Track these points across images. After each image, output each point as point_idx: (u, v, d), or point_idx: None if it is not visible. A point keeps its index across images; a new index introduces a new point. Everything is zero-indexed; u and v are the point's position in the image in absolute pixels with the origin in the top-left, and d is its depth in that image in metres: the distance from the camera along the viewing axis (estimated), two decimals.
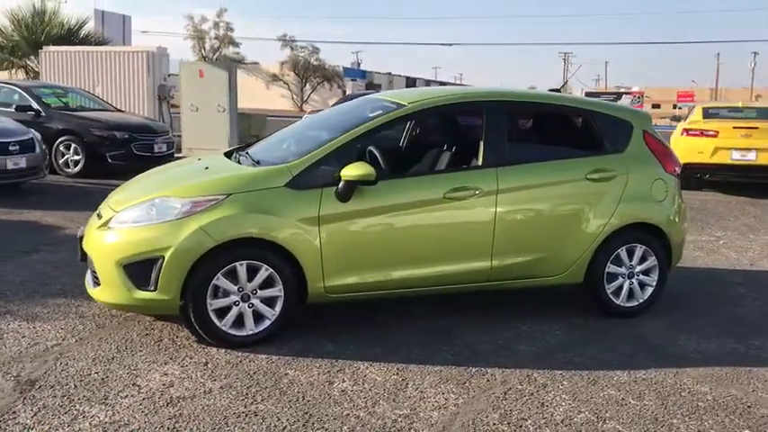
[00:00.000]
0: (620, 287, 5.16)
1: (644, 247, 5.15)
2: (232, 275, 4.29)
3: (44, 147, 10.46)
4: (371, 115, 4.86)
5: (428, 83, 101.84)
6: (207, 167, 4.87)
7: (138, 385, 3.80)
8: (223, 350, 4.32)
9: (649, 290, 5.23)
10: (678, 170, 5.35)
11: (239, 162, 4.86)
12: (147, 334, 4.55)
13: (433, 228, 4.65)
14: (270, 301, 4.41)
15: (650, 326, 5.06)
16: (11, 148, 9.63)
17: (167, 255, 4.16)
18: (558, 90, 5.73)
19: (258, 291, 4.36)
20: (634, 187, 5.08)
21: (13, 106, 12.19)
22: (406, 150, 5.99)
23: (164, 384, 3.82)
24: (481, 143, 4.85)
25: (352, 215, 4.44)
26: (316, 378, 3.97)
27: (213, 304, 4.28)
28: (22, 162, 9.72)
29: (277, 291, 4.39)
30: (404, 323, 4.91)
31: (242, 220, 4.26)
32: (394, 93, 5.62)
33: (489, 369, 4.18)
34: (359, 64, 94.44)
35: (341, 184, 4.37)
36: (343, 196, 4.40)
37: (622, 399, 3.85)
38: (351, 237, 4.48)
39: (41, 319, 4.78)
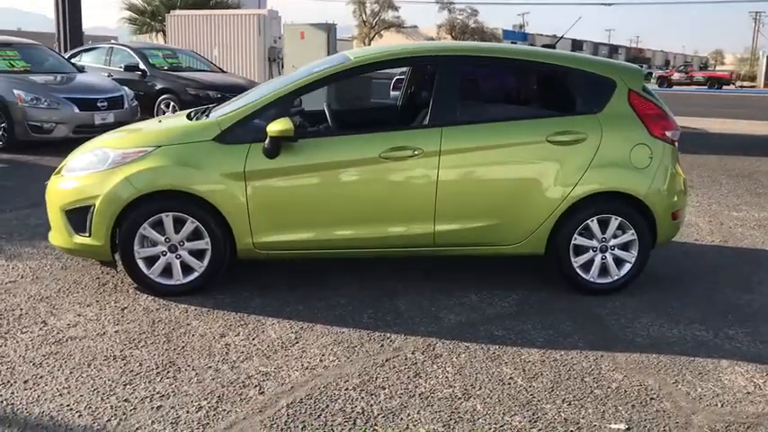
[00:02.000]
0: (590, 261, 4.72)
1: (620, 218, 4.66)
2: (160, 226, 4.41)
3: (135, 104, 11.19)
4: (314, 70, 4.75)
5: (596, 46, 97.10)
6: (160, 121, 5.00)
7: (46, 323, 4.04)
8: (151, 298, 4.46)
9: (627, 266, 4.74)
10: (671, 135, 4.75)
11: (197, 119, 4.94)
12: (97, 278, 4.80)
13: (369, 188, 4.48)
14: (198, 254, 4.48)
15: (616, 305, 4.59)
16: (99, 104, 10.40)
17: (97, 202, 4.34)
18: (551, 46, 5.21)
19: (186, 242, 4.45)
20: (608, 152, 4.59)
21: (123, 66, 13.12)
22: (360, 109, 5.81)
23: (68, 324, 4.03)
24: (430, 102, 4.58)
25: (280, 172, 4.39)
26: (212, 330, 4.00)
27: (141, 253, 4.43)
28: (109, 117, 10.46)
29: (204, 244, 4.45)
30: (348, 283, 4.81)
31: (165, 171, 4.35)
32: (359, 49, 5.44)
33: (394, 335, 4.01)
34: (521, 26, 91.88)
35: (267, 140, 4.33)
36: (270, 152, 4.35)
37: (510, 378, 3.55)
38: (279, 194, 4.43)
39: (21, 258, 5.18)
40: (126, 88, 11.25)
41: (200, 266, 4.49)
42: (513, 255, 4.72)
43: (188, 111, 5.16)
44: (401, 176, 4.49)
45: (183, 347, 3.77)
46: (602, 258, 4.71)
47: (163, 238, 4.42)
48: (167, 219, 4.39)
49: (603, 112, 4.65)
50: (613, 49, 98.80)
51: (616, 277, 4.74)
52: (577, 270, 4.71)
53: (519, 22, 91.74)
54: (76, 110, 10.12)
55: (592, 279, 4.73)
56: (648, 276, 5.00)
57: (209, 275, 4.51)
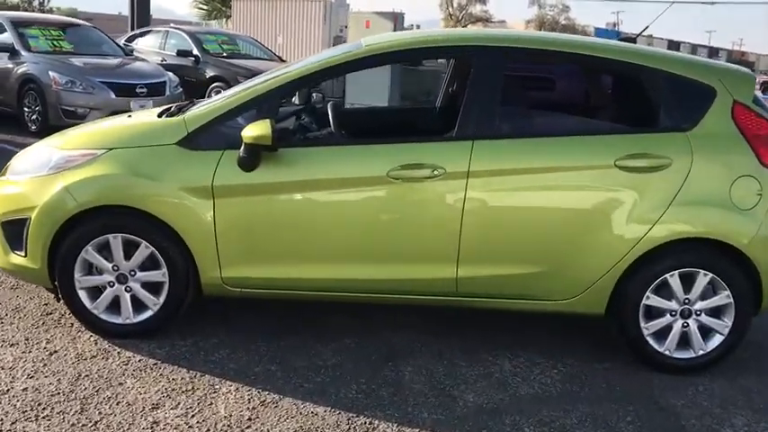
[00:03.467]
0: (667, 329, 3.51)
1: (711, 275, 3.43)
2: (107, 250, 3.48)
3: (179, 91, 10.45)
4: (313, 60, 3.71)
5: (695, 48, 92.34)
6: (130, 116, 4.08)
7: None
8: (94, 339, 3.55)
9: (717, 338, 3.52)
10: None
11: (169, 116, 3.97)
12: (45, 305, 3.93)
13: (372, 216, 3.42)
14: (153, 287, 3.54)
15: (699, 394, 3.38)
16: (138, 90, 9.69)
17: (33, 215, 3.45)
18: (632, 39, 3.97)
19: (138, 272, 3.50)
20: (699, 184, 3.37)
21: (176, 50, 12.46)
22: (383, 111, 4.74)
23: None
24: (461, 106, 3.48)
25: (259, 189, 3.38)
26: (146, 396, 3.05)
27: (82, 282, 3.51)
28: (148, 104, 9.72)
29: (161, 275, 3.50)
30: (345, 333, 3.77)
31: (112, 182, 3.41)
32: (379, 36, 4.37)
33: (384, 424, 2.95)
34: (615, 25, 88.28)
35: (242, 148, 3.33)
36: (245, 163, 3.35)
37: None
38: (257, 217, 3.43)
39: None
40: (170, 74, 10.52)
41: (154, 303, 3.54)
42: (562, 314, 3.57)
43: (167, 106, 4.21)
44: (415, 203, 3.41)
45: (96, 424, 2.82)
46: (684, 326, 3.50)
47: (110, 266, 3.49)
48: (115, 241, 3.45)
49: (696, 129, 3.42)
50: (713, 52, 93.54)
51: (701, 352, 3.52)
52: (648, 339, 3.52)
53: (613, 20, 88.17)
54: (112, 95, 9.42)
55: (667, 352, 3.53)
56: (747, 354, 3.75)
57: (167, 314, 3.56)
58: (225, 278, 3.49)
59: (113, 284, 3.52)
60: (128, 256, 3.47)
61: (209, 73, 12.03)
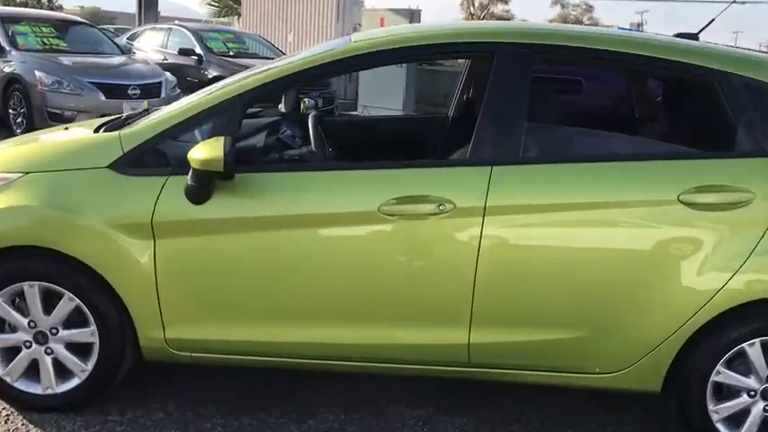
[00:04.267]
0: (743, 413, 2.69)
1: None
2: (22, 301, 2.73)
3: (177, 92, 9.71)
4: (289, 60, 2.92)
5: None
6: (67, 129, 3.32)
7: None
8: (7, 413, 2.80)
9: None
10: None
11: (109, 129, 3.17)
12: None
13: (357, 263, 2.63)
14: (80, 349, 2.78)
15: None
16: (130, 91, 8.97)
17: None
18: (693, 36, 3.13)
19: (61, 330, 2.75)
20: None
21: (177, 49, 11.76)
22: (382, 121, 3.94)
23: None
24: (477, 119, 2.68)
25: (212, 227, 2.61)
26: None
27: None
28: (141, 107, 9.01)
29: (89, 334, 2.74)
30: (326, 408, 2.97)
31: (25, 216, 2.66)
32: (372, 31, 3.57)
33: None
34: (640, 25, 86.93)
35: (190, 174, 2.55)
36: (194, 193, 2.57)
37: None
38: (210, 263, 2.66)
39: None
40: (168, 74, 9.80)
41: (82, 369, 2.78)
42: (607, 390, 2.75)
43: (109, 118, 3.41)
44: (414, 247, 2.62)
45: None
46: (766, 410, 2.67)
47: (25, 321, 2.74)
48: (31, 291, 2.70)
49: None
50: None
51: None
52: (718, 426, 2.70)
53: (637, 21, 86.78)
54: (102, 97, 8.71)
55: None
56: None
57: (99, 384, 2.80)
58: (170, 339, 2.72)
59: (30, 345, 2.77)
60: (48, 310, 2.72)
61: (212, 73, 11.29)
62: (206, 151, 2.45)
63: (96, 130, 2.96)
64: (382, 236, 2.58)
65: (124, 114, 3.35)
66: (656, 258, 2.56)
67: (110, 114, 8.27)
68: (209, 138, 2.59)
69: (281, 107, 4.00)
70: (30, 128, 8.61)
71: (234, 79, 2.87)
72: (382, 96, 12.78)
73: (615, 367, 2.66)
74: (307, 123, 3.20)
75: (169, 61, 11.56)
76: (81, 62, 9.22)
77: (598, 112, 3.47)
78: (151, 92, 9.21)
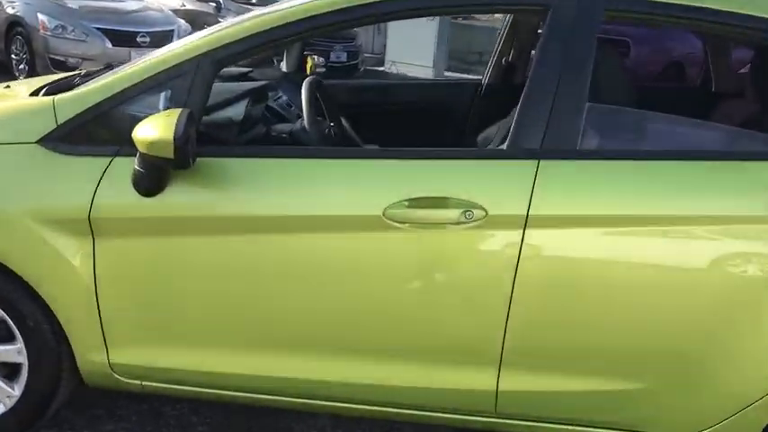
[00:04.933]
0: None
1: None
2: None
3: None
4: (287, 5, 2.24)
5: None
6: (8, 86, 2.69)
7: None
8: None
9: None
10: None
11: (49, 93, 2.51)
12: None
13: (354, 281, 2.00)
14: (7, 371, 2.21)
15: None
16: (139, 38, 8.36)
17: None
18: None
19: None
20: None
21: None
22: (377, 94, 3.28)
23: None
24: (520, 95, 2.00)
25: (167, 225, 1.99)
26: None
27: None
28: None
29: (15, 352, 2.16)
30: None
31: None
32: None
33: None
34: None
35: (137, 157, 1.92)
36: (142, 182, 1.95)
37: None
38: (166, 270, 2.05)
39: None
40: (182, 22, 9.16)
41: (8, 395, 2.22)
42: None
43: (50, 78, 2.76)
44: (429, 266, 1.97)
45: None
46: None
47: None
48: None
49: None
50: None
51: None
52: None
53: None
54: (108, 44, 8.11)
55: None
56: None
57: (30, 413, 2.24)
58: (115, 364, 2.14)
59: None
60: None
61: None
62: (153, 130, 1.82)
63: (36, 93, 2.33)
64: (387, 249, 1.94)
65: (81, 71, 2.71)
66: (756, 291, 1.90)
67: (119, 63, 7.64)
68: (168, 109, 1.97)
69: (283, 65, 3.35)
70: (32, 75, 8.06)
71: (205, 32, 2.22)
72: (411, 52, 12.00)
73: (696, 425, 2.02)
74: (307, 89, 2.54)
75: (186, 8, 10.90)
76: (88, 6, 8.59)
77: (686, 94, 2.76)
78: (162, 40, 8.55)
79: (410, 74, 11.62)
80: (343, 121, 3.30)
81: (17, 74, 8.26)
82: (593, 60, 1.95)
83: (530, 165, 1.91)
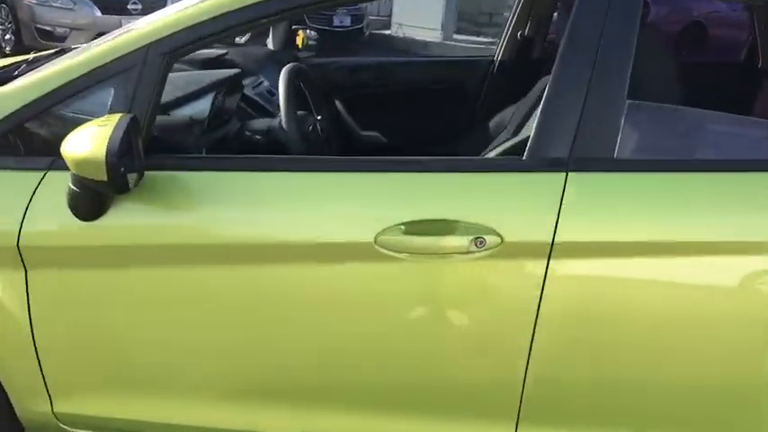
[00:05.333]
0: None
1: None
2: None
3: None
4: None
5: None
6: None
7: None
8: None
9: None
10: None
11: None
12: None
13: (343, 319, 1.63)
14: None
15: None
16: (130, 6, 7.93)
17: None
18: None
19: None
20: None
21: None
22: (373, 76, 2.90)
23: None
24: (548, 86, 1.60)
25: (109, 256, 1.63)
26: None
27: None
28: None
29: None
30: None
31: None
32: None
33: None
34: None
35: (70, 177, 1.55)
36: (78, 204, 1.58)
37: None
38: (111, 309, 1.69)
39: None
40: None
41: None
42: None
43: None
44: (431, 305, 1.61)
45: None
46: None
47: None
48: None
49: None
50: None
51: None
52: None
53: None
54: (98, 12, 7.70)
55: None
56: None
57: None
58: (60, 414, 1.80)
59: None
60: None
61: None
62: (82, 144, 1.45)
63: None
64: (380, 283, 1.58)
65: (30, 56, 2.33)
66: None
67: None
68: (110, 112, 1.60)
69: (269, 42, 2.96)
70: (18, 46, 7.68)
71: (156, 14, 1.83)
72: (419, 13, 11.48)
73: None
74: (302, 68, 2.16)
75: None
76: None
77: (760, 86, 2.33)
78: (155, 7, 8.12)
79: (417, 38, 11.13)
80: (339, 106, 2.93)
81: (3, 45, 7.87)
82: (635, 43, 1.55)
83: (555, 179, 1.53)
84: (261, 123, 2.02)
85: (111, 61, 1.64)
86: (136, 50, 1.63)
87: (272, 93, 2.39)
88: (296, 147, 1.91)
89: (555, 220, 1.51)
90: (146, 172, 1.57)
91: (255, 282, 1.61)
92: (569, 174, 1.53)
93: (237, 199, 1.60)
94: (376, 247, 1.53)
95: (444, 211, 1.54)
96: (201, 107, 1.93)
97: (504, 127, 2.71)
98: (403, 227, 1.53)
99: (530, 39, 2.94)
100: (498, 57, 3.02)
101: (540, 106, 1.59)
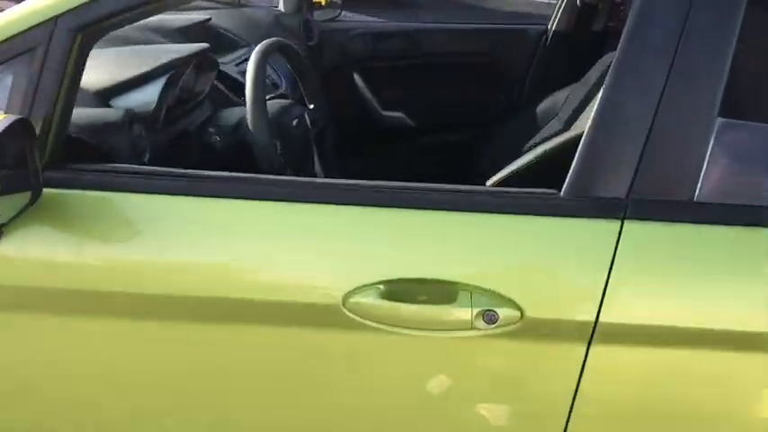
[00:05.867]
0: None
1: None
2: None
3: None
4: None
5: None
6: None
7: None
8: None
9: None
10: None
11: None
12: None
13: (298, 402, 1.20)
14: None
15: None
16: None
17: None
18: None
19: None
20: None
21: None
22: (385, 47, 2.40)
23: None
24: (600, 97, 1.10)
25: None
26: None
27: None
28: None
29: None
30: None
31: None
32: None
33: None
34: None
35: None
36: None
37: None
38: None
39: None
40: None
41: None
42: None
43: None
44: (417, 392, 1.14)
45: None
46: None
47: None
48: None
49: None
50: None
51: None
52: None
53: None
54: None
55: None
56: None
57: None
58: None
59: None
60: None
61: None
62: None
63: None
64: (348, 362, 1.14)
65: None
66: None
67: None
68: (7, 109, 1.19)
69: (280, 3, 2.50)
70: None
71: None
72: None
73: None
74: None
75: None
76: None
77: None
78: None
79: None
80: (358, 80, 2.47)
81: None
82: (735, 38, 1.04)
83: (605, 229, 1.05)
84: (229, 117, 1.56)
85: (7, 39, 1.21)
86: (39, 25, 1.20)
87: (271, 74, 1.93)
88: (265, 151, 1.45)
89: (602, 290, 1.04)
90: (45, 190, 1.15)
91: (180, 348, 1.18)
92: (626, 222, 1.05)
93: (162, 233, 1.17)
94: (344, 311, 1.09)
95: (440, 268, 1.08)
96: (146, 97, 1.48)
97: (554, 114, 2.22)
98: (382, 287, 1.08)
99: (593, 6, 2.38)
100: (553, 25, 2.47)
101: (591, 118, 1.09)
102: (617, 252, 1.04)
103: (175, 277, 1.16)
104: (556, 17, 2.46)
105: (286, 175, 1.50)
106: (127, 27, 1.69)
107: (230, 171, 1.24)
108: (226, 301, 1.13)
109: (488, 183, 1.92)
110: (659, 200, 1.05)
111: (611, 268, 1.04)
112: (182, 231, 1.15)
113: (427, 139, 2.55)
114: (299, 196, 1.14)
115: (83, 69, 1.25)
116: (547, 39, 2.48)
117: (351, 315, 1.09)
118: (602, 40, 2.25)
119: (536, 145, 2.06)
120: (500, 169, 1.97)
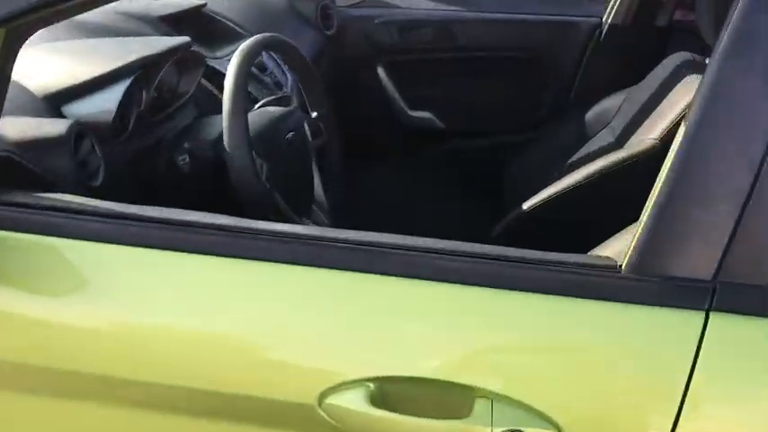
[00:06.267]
0: None
1: None
2: None
3: None
4: None
5: None
6: None
7: None
8: None
9: None
10: None
11: None
12: None
13: None
14: None
15: None
16: None
17: None
18: None
19: None
20: None
21: None
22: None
23: None
24: (677, 144, 0.78)
25: None
26: None
27: None
28: None
29: None
30: None
31: None
32: None
33: None
34: None
35: None
36: None
37: None
38: None
39: None
40: None
41: None
42: None
43: None
44: None
45: None
46: None
47: None
48: None
49: None
50: None
51: None
52: None
53: None
54: None
55: None
56: None
57: None
58: None
59: None
60: None
61: None
62: None
63: None
64: None
65: None
66: None
67: None
68: None
69: None
70: None
71: None
72: None
73: None
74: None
75: None
76: None
77: None
78: None
79: None
80: (382, 75, 2.19)
81: None
82: None
83: (684, 321, 0.75)
84: (211, 127, 1.27)
85: None
86: None
87: (265, 68, 1.64)
88: (242, 176, 1.14)
89: (678, 405, 0.74)
90: None
91: None
92: (712, 314, 0.74)
93: (103, 291, 0.89)
94: (320, 412, 0.81)
95: (449, 367, 0.79)
96: (107, 103, 1.19)
97: (606, 123, 1.91)
98: (371, 385, 0.80)
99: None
100: (609, 18, 2.13)
101: (666, 168, 0.78)
102: (698, 356, 0.74)
103: (111, 358, 0.89)
104: (613, 8, 2.12)
105: (273, 200, 1.21)
106: (102, 13, 1.43)
107: (203, 197, 0.97)
108: (179, 390, 0.86)
109: (524, 207, 1.62)
110: (756, 284, 0.74)
111: (690, 378, 0.74)
112: (127, 288, 0.88)
113: (457, 144, 2.26)
114: (262, 251, 0.86)
115: (10, 70, 0.98)
116: (601, 33, 2.15)
117: (326, 418, 0.81)
118: (667, 36, 1.92)
119: (582, 160, 1.75)
120: (537, 185, 1.68)
